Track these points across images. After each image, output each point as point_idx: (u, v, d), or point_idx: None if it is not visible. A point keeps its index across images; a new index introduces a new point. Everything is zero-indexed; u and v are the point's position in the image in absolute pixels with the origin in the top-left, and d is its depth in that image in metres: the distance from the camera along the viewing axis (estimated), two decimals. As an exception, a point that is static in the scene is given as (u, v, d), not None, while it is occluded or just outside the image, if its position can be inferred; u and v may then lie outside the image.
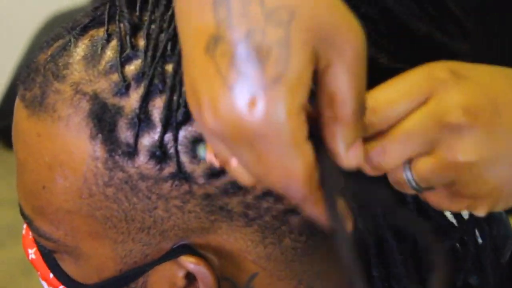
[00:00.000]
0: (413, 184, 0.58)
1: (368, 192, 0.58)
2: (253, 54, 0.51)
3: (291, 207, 0.65)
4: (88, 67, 0.65)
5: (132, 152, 0.63)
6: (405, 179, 0.58)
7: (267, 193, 0.65)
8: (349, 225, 0.55)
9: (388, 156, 0.57)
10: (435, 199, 0.60)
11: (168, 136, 0.63)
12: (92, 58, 0.65)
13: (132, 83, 0.63)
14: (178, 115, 0.62)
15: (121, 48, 0.64)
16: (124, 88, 0.63)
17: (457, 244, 0.69)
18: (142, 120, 0.63)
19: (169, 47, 0.64)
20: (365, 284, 0.52)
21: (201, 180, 0.64)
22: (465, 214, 0.68)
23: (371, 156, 0.57)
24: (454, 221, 0.69)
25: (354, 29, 0.53)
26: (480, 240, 0.68)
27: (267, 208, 0.65)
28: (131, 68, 0.64)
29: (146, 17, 0.66)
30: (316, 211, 0.55)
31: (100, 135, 0.64)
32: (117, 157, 0.64)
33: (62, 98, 0.65)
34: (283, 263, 0.68)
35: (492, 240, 0.67)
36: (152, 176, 0.64)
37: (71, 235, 0.68)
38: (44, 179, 0.66)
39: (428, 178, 0.58)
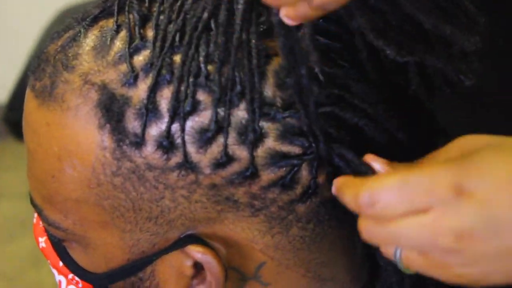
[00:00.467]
0: (400, 265, 0.60)
1: None
2: None
3: (297, 197, 0.66)
4: (97, 58, 0.65)
5: (139, 142, 0.64)
6: (394, 257, 0.60)
7: (273, 184, 0.65)
8: None
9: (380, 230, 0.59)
10: None
11: (175, 126, 0.63)
12: (101, 48, 0.66)
13: (141, 73, 0.64)
14: (185, 105, 0.63)
15: (130, 39, 0.65)
16: (132, 79, 0.64)
17: None
18: (149, 110, 0.63)
19: (177, 38, 0.64)
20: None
21: (207, 170, 0.64)
22: None
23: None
24: None
25: None
26: None
27: (273, 199, 0.66)
28: (140, 59, 0.64)
29: (155, 8, 0.66)
30: None
31: (108, 125, 0.64)
32: (124, 147, 0.64)
33: (71, 88, 0.65)
34: (290, 252, 0.69)
35: None
36: (159, 166, 0.64)
37: (79, 224, 0.69)
38: (53, 168, 0.67)
39: (415, 270, 0.60)
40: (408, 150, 0.66)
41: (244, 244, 0.68)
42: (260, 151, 0.64)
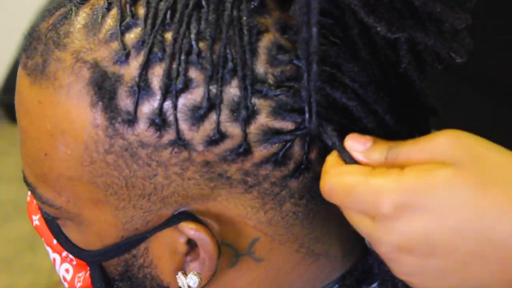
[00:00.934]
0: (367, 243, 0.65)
1: None
2: None
3: (289, 172, 0.66)
4: (89, 36, 0.65)
5: (132, 119, 0.64)
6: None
7: (265, 160, 0.66)
8: None
9: None
10: None
11: (168, 104, 0.64)
12: (93, 26, 0.66)
13: (132, 51, 0.64)
14: (177, 83, 0.63)
15: (121, 17, 0.65)
16: (124, 56, 0.64)
17: None
18: (141, 88, 0.63)
19: (168, 15, 0.64)
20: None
21: (200, 147, 0.64)
22: None
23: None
24: None
25: None
26: None
27: (266, 175, 0.66)
28: (131, 37, 0.64)
29: None
30: None
31: (100, 103, 0.64)
32: (117, 124, 0.64)
33: (63, 67, 0.65)
34: (284, 228, 0.69)
35: None
36: (152, 143, 0.64)
37: (73, 201, 0.69)
38: (46, 146, 0.67)
39: None
40: (395, 132, 0.67)
41: (237, 220, 0.68)
42: (253, 128, 0.64)
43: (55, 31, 0.67)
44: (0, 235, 2.35)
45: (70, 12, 0.67)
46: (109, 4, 0.66)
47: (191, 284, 0.69)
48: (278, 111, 0.64)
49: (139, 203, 0.67)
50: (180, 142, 0.64)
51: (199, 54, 0.63)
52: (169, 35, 0.64)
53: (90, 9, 0.67)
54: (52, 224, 0.75)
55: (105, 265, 0.73)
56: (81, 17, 0.67)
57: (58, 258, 0.76)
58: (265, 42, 0.64)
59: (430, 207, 0.59)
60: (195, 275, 0.69)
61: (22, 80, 0.69)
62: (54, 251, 0.76)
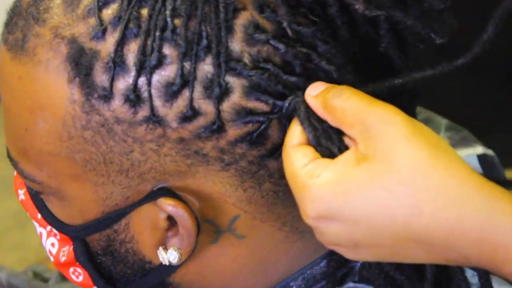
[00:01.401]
0: None
1: None
2: None
3: (267, 152, 0.67)
4: (67, 11, 0.65)
5: (107, 95, 0.64)
6: None
7: (240, 139, 0.66)
8: None
9: None
10: None
11: (142, 80, 0.64)
12: (72, 2, 0.65)
13: (109, 27, 0.64)
14: (151, 59, 0.63)
15: None
16: (100, 32, 0.64)
17: None
18: (117, 64, 0.63)
19: None
20: None
21: (174, 124, 0.65)
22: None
23: None
24: None
25: None
26: None
27: (242, 154, 0.66)
28: (108, 12, 0.64)
29: None
30: None
31: (77, 79, 0.64)
32: (93, 100, 0.65)
33: (42, 42, 0.66)
34: (264, 206, 0.69)
35: None
36: (127, 119, 0.65)
37: (54, 177, 0.69)
38: (26, 121, 0.68)
39: None
40: None
41: (216, 197, 0.68)
42: (226, 106, 0.64)
43: (35, 6, 0.67)
44: (-13, 212, 2.35)
45: None
46: None
47: (171, 259, 0.69)
48: (252, 92, 0.64)
49: (117, 179, 0.68)
50: (154, 119, 0.64)
51: (173, 30, 0.63)
52: (145, 11, 0.64)
53: None
54: (36, 198, 0.75)
55: (88, 240, 0.73)
56: None
57: (44, 233, 0.77)
58: (241, 20, 0.64)
59: (345, 216, 0.61)
60: (175, 250, 0.69)
61: (3, 55, 0.69)
62: (40, 225, 0.76)
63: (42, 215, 0.75)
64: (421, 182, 0.59)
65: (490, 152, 0.88)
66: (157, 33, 0.63)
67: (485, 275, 0.69)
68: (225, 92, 0.64)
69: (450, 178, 0.59)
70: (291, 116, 0.65)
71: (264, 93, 0.64)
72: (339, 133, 0.63)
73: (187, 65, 0.63)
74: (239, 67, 0.64)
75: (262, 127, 0.65)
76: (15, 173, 0.78)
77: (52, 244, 0.77)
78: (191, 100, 0.64)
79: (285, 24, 0.64)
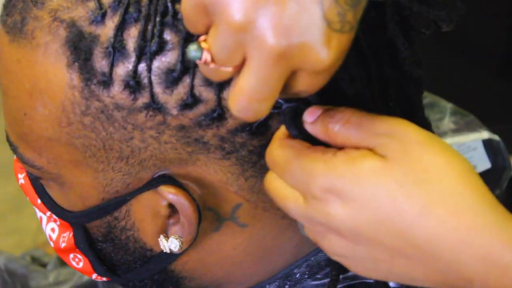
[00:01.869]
0: (300, 228, 0.64)
1: None
2: None
3: (268, 142, 0.65)
4: None
5: (107, 81, 0.63)
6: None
7: (240, 129, 0.64)
8: None
9: None
10: None
11: (142, 66, 0.62)
12: None
13: (109, 11, 0.62)
14: (152, 44, 0.62)
15: None
16: (100, 16, 0.62)
17: None
18: (117, 49, 0.62)
19: None
20: None
21: (174, 111, 0.63)
22: None
23: None
24: None
25: None
26: None
27: (243, 143, 0.65)
28: None
29: None
30: None
31: (76, 64, 0.63)
32: (92, 86, 0.63)
33: (41, 25, 0.64)
34: (266, 195, 0.67)
35: None
36: (127, 106, 0.63)
37: (53, 162, 0.68)
38: (25, 106, 0.66)
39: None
40: (375, 102, 0.65)
41: (218, 185, 0.67)
42: (227, 94, 0.63)
43: None
44: (-16, 197, 2.35)
45: None
46: None
47: (172, 248, 0.68)
48: None
49: (117, 166, 0.66)
50: (155, 106, 0.63)
51: (174, 15, 0.61)
52: None
53: None
54: (36, 183, 0.74)
55: (88, 227, 0.72)
56: None
57: (44, 218, 0.76)
58: None
59: (354, 196, 0.58)
60: (176, 238, 0.68)
61: (1, 37, 0.67)
62: (40, 210, 0.75)
63: (42, 201, 0.74)
64: (436, 185, 0.57)
65: (495, 137, 0.87)
66: (158, 18, 0.61)
67: None
68: (227, 80, 0.62)
69: (465, 187, 0.57)
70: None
71: None
72: None
73: None
74: None
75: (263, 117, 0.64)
76: (15, 157, 0.77)
77: (52, 230, 0.76)
78: (191, 87, 0.62)
79: None
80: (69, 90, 0.64)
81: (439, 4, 0.64)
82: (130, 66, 0.62)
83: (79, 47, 0.63)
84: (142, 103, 0.63)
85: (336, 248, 0.60)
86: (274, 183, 0.62)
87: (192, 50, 0.55)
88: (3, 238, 2.17)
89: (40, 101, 0.65)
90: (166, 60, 0.62)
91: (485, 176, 0.78)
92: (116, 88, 0.63)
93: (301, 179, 0.60)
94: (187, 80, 0.62)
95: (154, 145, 0.65)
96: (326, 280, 0.74)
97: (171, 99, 0.63)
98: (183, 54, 0.61)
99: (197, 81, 0.62)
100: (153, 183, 0.67)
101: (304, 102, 0.62)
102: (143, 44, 0.62)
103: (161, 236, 0.69)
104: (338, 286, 0.74)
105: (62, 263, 1.10)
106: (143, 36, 0.62)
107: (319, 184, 0.58)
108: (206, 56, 0.55)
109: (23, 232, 2.13)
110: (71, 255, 0.75)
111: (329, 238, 0.60)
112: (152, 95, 0.63)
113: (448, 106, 0.90)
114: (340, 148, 0.60)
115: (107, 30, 0.62)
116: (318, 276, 0.75)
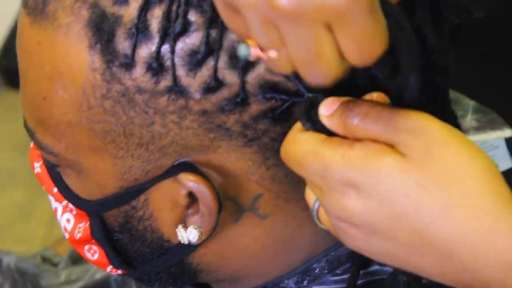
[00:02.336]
0: (314, 216, 0.63)
1: None
2: None
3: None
4: None
5: (129, 63, 0.62)
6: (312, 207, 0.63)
7: (263, 115, 0.63)
8: None
9: None
10: None
11: (165, 48, 0.61)
12: None
13: None
14: (176, 26, 0.60)
15: None
16: None
17: None
18: (140, 30, 0.61)
19: None
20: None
21: (197, 95, 0.62)
22: None
23: None
24: None
25: None
26: None
27: (265, 130, 0.64)
28: None
29: None
30: None
31: (98, 45, 0.62)
32: (114, 68, 0.62)
33: (63, 6, 0.63)
34: (288, 185, 0.67)
35: None
36: (149, 89, 0.62)
37: (72, 148, 0.67)
38: (45, 90, 0.65)
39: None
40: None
41: (239, 174, 0.66)
42: (251, 78, 0.62)
43: None
44: (-7, 204, 2.34)
45: None
46: None
47: (190, 238, 0.67)
48: None
49: (137, 152, 0.65)
50: (177, 89, 0.62)
51: None
52: None
53: None
54: (53, 171, 0.73)
55: (105, 216, 0.71)
56: None
57: (60, 208, 0.75)
58: None
59: (371, 191, 0.56)
60: (195, 228, 0.67)
61: (22, 20, 0.67)
62: (56, 200, 0.74)
63: (59, 189, 0.73)
64: (457, 188, 0.55)
65: None
66: None
67: None
68: (251, 63, 0.61)
69: (487, 189, 0.56)
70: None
71: None
72: None
73: (213, 32, 0.61)
74: None
75: (286, 104, 0.63)
76: (31, 144, 0.76)
77: (68, 220, 0.74)
78: (215, 69, 0.61)
79: None
80: (90, 72, 0.63)
81: None
82: (153, 47, 0.61)
83: (102, 28, 0.62)
84: (164, 86, 0.62)
85: (351, 239, 0.59)
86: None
87: (241, 50, 0.54)
88: (11, 247, 2.16)
89: (60, 85, 0.64)
90: (190, 41, 0.61)
91: (507, 175, 0.77)
92: (138, 71, 0.62)
93: (317, 172, 0.59)
94: (211, 62, 0.61)
95: (175, 131, 0.64)
96: (345, 276, 0.73)
97: (194, 82, 0.62)
98: (208, 35, 0.60)
99: (221, 63, 0.61)
100: (173, 171, 0.66)
101: (324, 93, 0.61)
102: (167, 25, 0.60)
103: (180, 226, 0.67)
104: (358, 281, 0.72)
105: (74, 262, 1.09)
106: (167, 17, 0.60)
107: (336, 177, 0.57)
108: (254, 51, 0.54)
109: (31, 240, 2.13)
110: (86, 247, 0.74)
111: (344, 229, 0.59)
112: (175, 77, 0.61)
113: (471, 103, 0.89)
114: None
115: (131, 10, 0.61)
116: (338, 272, 0.73)
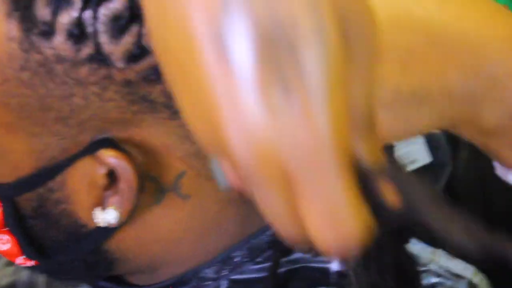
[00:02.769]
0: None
1: None
2: None
3: None
4: None
5: (49, 31, 0.59)
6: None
7: None
8: None
9: None
10: None
11: (88, 14, 0.59)
12: None
13: None
14: None
15: None
16: None
17: None
18: None
19: None
20: None
21: (120, 64, 0.60)
22: None
23: None
24: None
25: None
26: None
27: None
28: None
29: None
30: None
31: (16, 13, 0.60)
32: (33, 37, 0.60)
33: None
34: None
35: None
36: (69, 58, 0.60)
37: None
38: None
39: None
40: None
41: (162, 151, 0.64)
42: None
43: None
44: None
45: None
46: None
47: (109, 219, 0.65)
48: None
49: (55, 128, 0.63)
50: (99, 57, 0.60)
51: None
52: None
53: None
54: None
55: (18, 201, 0.68)
56: None
57: None
58: None
59: None
60: (115, 209, 0.65)
61: None
62: None
63: None
64: None
65: (437, 131, 0.86)
66: None
67: None
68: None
69: None
70: None
71: None
72: None
73: None
74: None
75: None
76: None
77: None
78: (139, 36, 0.59)
79: None
80: (7, 42, 0.60)
81: None
82: (74, 13, 0.59)
83: None
84: (86, 54, 0.60)
85: None
86: None
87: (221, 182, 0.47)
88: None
89: None
90: (114, 6, 0.59)
91: (425, 170, 0.77)
92: (59, 38, 0.59)
93: None
94: (135, 28, 0.59)
95: (96, 103, 0.61)
96: (267, 264, 0.71)
97: (117, 49, 0.60)
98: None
99: (146, 30, 0.59)
100: (93, 148, 0.63)
101: None
102: None
103: (97, 209, 0.65)
104: (280, 270, 0.71)
105: (9, 263, 1.04)
106: None
107: None
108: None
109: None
110: None
111: None
112: (97, 44, 0.59)
113: None
114: None
115: None
116: (259, 259, 0.72)
